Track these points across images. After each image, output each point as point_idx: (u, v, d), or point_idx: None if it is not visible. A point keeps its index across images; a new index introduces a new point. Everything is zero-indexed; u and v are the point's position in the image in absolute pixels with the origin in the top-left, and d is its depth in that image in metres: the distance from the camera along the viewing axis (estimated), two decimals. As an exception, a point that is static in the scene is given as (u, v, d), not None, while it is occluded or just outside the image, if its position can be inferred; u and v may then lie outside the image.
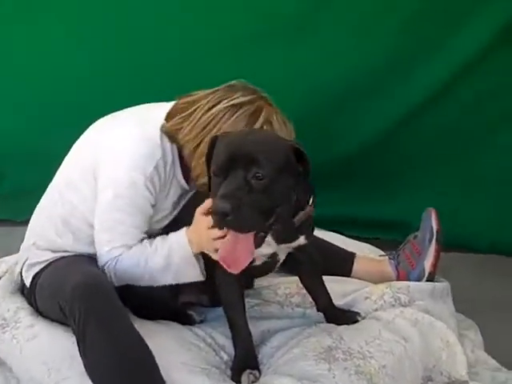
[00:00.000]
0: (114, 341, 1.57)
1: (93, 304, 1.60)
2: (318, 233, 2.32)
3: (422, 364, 1.79)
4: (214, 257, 1.64)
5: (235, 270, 1.50)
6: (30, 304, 1.98)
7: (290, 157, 1.55)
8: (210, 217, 1.54)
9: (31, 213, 2.05)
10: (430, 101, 2.73)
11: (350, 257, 2.24)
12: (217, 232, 1.59)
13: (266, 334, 1.88)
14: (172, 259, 1.78)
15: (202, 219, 1.69)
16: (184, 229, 1.79)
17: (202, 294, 1.96)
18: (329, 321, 1.90)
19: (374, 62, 2.71)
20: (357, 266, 2.21)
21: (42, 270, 1.92)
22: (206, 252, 1.72)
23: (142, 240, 1.86)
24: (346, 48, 2.70)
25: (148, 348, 1.58)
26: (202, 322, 1.96)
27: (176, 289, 1.86)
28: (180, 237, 1.78)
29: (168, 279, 1.82)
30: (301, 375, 1.60)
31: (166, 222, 1.95)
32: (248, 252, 1.50)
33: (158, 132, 1.85)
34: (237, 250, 1.49)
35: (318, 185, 2.79)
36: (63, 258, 1.90)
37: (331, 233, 2.47)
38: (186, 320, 1.93)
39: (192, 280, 1.81)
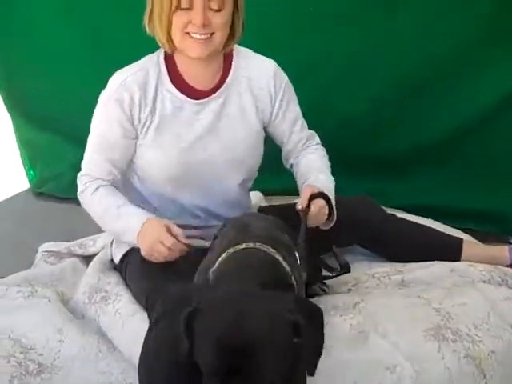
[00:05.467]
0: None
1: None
2: (418, 219, 2.30)
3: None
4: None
5: None
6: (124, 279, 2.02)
7: (291, 338, 1.21)
8: (168, 239, 1.72)
9: None
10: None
11: (458, 242, 2.14)
12: (164, 250, 1.73)
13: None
14: (122, 237, 1.87)
15: (163, 232, 1.74)
16: (140, 224, 1.79)
17: None
18: None
19: (467, 42, 2.59)
20: (466, 251, 2.09)
21: (130, 250, 1.95)
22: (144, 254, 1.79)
23: (114, 179, 1.89)
24: (436, 30, 2.60)
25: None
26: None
27: None
28: (134, 230, 1.79)
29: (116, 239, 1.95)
30: (409, 352, 1.57)
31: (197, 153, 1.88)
32: None
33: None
34: None
35: (410, 171, 2.78)
36: None
37: (429, 219, 2.40)
38: None
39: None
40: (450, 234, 2.24)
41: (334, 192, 1.90)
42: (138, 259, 1.90)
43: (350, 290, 1.95)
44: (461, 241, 2.15)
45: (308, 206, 1.76)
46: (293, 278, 1.44)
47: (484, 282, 1.90)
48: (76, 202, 3.07)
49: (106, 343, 1.84)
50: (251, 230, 1.58)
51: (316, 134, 2.10)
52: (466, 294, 1.81)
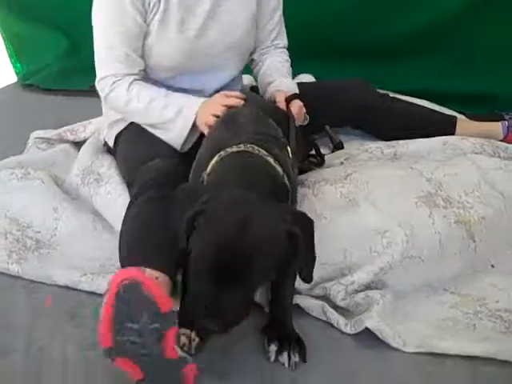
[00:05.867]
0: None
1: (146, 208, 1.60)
2: (412, 99, 2.31)
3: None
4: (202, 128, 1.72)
5: None
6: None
7: (286, 249, 1.27)
8: (226, 99, 1.70)
9: None
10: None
11: (452, 118, 2.15)
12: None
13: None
14: (173, 124, 1.79)
15: (219, 99, 1.73)
16: (201, 101, 1.77)
17: None
18: None
19: None
20: (460, 127, 2.12)
21: (123, 130, 1.94)
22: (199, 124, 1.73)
23: (140, 70, 1.83)
24: None
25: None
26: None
27: None
28: (193, 107, 1.76)
29: (157, 132, 1.83)
30: (400, 218, 1.58)
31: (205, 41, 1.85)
32: None
33: None
34: None
35: (403, 58, 2.76)
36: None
37: (423, 100, 2.39)
38: None
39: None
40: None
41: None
42: (127, 139, 1.91)
43: (341, 163, 1.96)
44: (455, 117, 2.16)
45: (287, 108, 1.80)
46: (285, 177, 1.44)
47: (476, 153, 1.91)
48: (64, 93, 3.10)
49: (101, 221, 1.87)
50: (239, 128, 1.57)
51: (285, 34, 2.07)
52: (458, 164, 1.81)
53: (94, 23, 1.82)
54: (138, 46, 1.81)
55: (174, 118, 1.78)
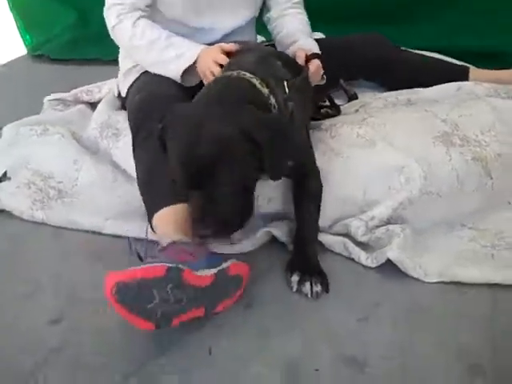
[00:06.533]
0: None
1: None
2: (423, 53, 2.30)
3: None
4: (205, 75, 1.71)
5: None
6: None
7: (248, 145, 1.29)
8: (223, 49, 1.69)
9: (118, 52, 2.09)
10: None
11: (465, 67, 2.17)
12: (217, 69, 1.66)
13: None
14: (175, 63, 1.79)
15: (217, 50, 1.71)
16: (201, 48, 1.77)
17: None
18: None
19: None
20: (473, 75, 2.13)
21: (135, 80, 1.95)
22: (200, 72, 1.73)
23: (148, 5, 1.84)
24: None
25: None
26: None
27: None
28: (193, 55, 1.76)
29: (155, 68, 1.85)
30: (417, 155, 1.60)
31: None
32: None
33: None
34: None
35: (411, 19, 2.77)
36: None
37: (435, 53, 2.39)
38: None
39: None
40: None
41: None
42: (135, 88, 1.93)
43: (357, 110, 1.97)
44: (467, 67, 2.17)
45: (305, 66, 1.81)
46: (272, 98, 1.45)
47: (490, 96, 1.92)
48: (74, 62, 3.11)
49: (121, 172, 1.89)
50: (240, 59, 1.60)
51: None
52: (473, 106, 1.82)
53: None
54: None
55: (174, 58, 1.78)
